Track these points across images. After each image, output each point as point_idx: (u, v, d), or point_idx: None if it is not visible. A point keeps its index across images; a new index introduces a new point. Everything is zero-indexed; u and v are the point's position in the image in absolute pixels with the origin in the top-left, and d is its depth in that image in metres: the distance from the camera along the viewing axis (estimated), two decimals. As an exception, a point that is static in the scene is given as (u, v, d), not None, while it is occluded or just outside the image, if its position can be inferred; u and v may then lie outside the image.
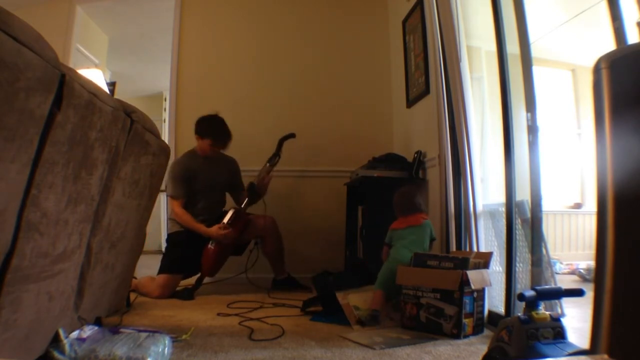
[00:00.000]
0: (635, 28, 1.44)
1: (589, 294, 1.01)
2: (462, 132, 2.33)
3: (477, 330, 1.95)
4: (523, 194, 2.08)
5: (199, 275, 3.03)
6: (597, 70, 0.96)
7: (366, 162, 3.11)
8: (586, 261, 3.83)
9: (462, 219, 2.42)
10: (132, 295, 2.64)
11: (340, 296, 2.22)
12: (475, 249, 2.25)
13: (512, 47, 2.13)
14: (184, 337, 1.82)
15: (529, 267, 2.05)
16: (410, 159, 3.03)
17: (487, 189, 2.54)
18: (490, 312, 2.09)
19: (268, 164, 3.21)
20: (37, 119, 1.14)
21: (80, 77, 1.34)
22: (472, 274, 1.91)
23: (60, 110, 1.23)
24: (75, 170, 1.40)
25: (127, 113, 1.77)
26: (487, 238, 2.37)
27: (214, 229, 2.94)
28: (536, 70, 2.04)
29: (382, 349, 1.72)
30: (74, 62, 3.84)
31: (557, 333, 1.25)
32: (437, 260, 2.05)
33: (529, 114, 2.00)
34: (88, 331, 1.58)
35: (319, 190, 3.69)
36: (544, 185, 2.00)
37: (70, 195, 1.40)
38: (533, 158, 1.98)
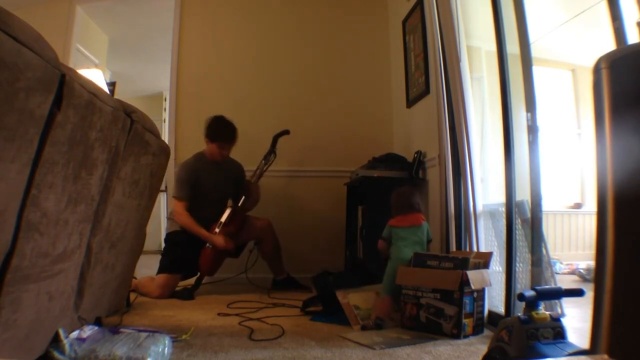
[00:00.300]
0: (635, 28, 1.44)
1: (589, 294, 1.01)
2: (462, 132, 2.33)
3: (477, 330, 1.95)
4: (523, 194, 2.08)
5: (198, 275, 3.03)
6: (597, 70, 0.96)
7: (366, 162, 3.11)
8: (586, 261, 3.83)
9: (462, 219, 2.42)
10: (132, 295, 2.64)
11: (340, 295, 2.22)
12: (475, 249, 2.25)
13: (512, 47, 2.13)
14: (184, 337, 1.82)
15: (529, 267, 2.05)
16: (410, 159, 3.03)
17: (487, 189, 2.54)
18: (490, 312, 2.09)
19: (263, 161, 3.21)
20: (37, 119, 1.14)
21: (80, 77, 1.34)
22: (472, 274, 1.91)
23: (60, 110, 1.23)
24: (75, 170, 1.40)
25: (127, 113, 1.77)
26: (487, 238, 2.37)
27: (217, 238, 2.93)
28: (536, 70, 2.04)
29: (382, 349, 1.72)
30: (74, 62, 3.84)
31: (557, 333, 1.25)
32: (437, 260, 2.05)
33: (529, 114, 2.00)
34: (88, 331, 1.58)
35: (319, 190, 3.69)
36: (544, 185, 2.00)
37: (70, 195, 1.40)
38: (533, 158, 1.98)
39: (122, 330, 1.65)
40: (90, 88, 1.39)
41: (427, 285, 1.99)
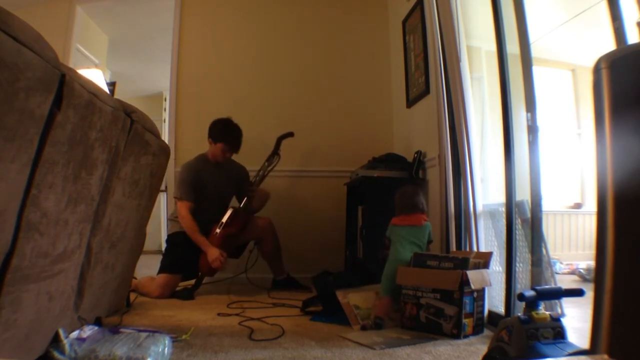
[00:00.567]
0: (635, 28, 1.44)
1: (589, 294, 1.01)
2: (462, 132, 2.33)
3: (477, 330, 1.95)
4: (523, 194, 2.08)
5: (199, 275, 3.03)
6: (597, 70, 0.96)
7: (366, 162, 3.11)
8: (586, 261, 3.83)
9: (462, 218, 2.42)
10: (132, 295, 2.64)
11: (340, 295, 2.22)
12: (475, 249, 2.25)
13: (512, 47, 2.13)
14: (184, 337, 1.82)
15: (529, 267, 2.05)
16: (410, 159, 3.03)
17: (487, 189, 2.54)
18: (490, 312, 2.09)
19: (266, 163, 3.20)
20: (37, 119, 1.14)
21: (80, 77, 1.34)
22: (472, 274, 1.91)
23: (60, 110, 1.23)
24: (75, 170, 1.40)
25: (127, 113, 1.77)
26: (487, 238, 2.37)
27: (212, 252, 2.87)
28: (536, 70, 2.04)
29: (382, 349, 1.72)
30: (74, 62, 3.84)
31: (557, 333, 1.25)
32: (437, 260, 2.05)
33: (529, 114, 2.00)
34: (88, 331, 1.58)
35: (319, 190, 3.69)
36: (544, 185, 2.00)
37: (70, 195, 1.40)
38: (533, 158, 1.98)
39: (122, 330, 1.65)
40: (90, 88, 1.39)
41: (427, 285, 1.99)
